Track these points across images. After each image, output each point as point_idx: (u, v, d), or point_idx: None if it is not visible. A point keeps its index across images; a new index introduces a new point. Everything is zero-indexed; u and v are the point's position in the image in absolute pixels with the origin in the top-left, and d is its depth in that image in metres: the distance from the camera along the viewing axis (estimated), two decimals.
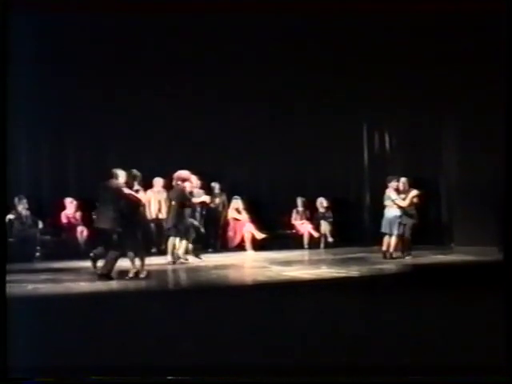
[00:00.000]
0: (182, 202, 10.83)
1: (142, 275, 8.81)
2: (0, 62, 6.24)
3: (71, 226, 12.54)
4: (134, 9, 10.03)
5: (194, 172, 11.34)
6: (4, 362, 4.96)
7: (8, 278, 8.08)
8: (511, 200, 7.10)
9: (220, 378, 4.69)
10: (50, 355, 5.00)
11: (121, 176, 8.80)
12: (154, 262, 11.07)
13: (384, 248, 11.11)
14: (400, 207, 11.06)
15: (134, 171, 9.02)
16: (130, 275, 8.80)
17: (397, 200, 11.07)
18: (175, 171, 12.59)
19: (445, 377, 4.40)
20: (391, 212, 11.13)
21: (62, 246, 12.38)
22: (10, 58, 6.45)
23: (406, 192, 11.22)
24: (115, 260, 8.70)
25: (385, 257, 11.02)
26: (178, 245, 10.93)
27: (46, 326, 5.62)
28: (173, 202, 10.95)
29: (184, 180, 10.96)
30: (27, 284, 8.22)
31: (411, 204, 11.14)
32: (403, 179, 11.34)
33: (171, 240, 10.92)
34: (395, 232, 11.06)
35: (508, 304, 5.33)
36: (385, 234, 11.17)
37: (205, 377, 4.69)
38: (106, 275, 8.60)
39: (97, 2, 10.17)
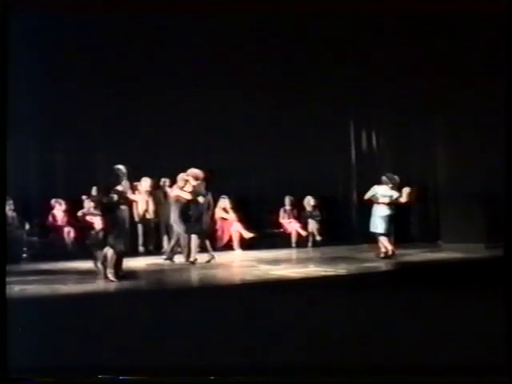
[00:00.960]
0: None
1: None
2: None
3: (58, 227, 12.48)
4: (133, 9, 9.99)
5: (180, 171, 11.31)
6: (4, 361, 4.92)
7: None
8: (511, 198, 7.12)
9: (209, 378, 4.68)
10: (47, 355, 4.97)
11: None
12: (147, 262, 11.12)
13: (384, 249, 10.86)
14: (392, 205, 10.92)
15: (119, 167, 8.98)
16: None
17: (400, 198, 10.92)
18: (162, 171, 12.61)
19: (444, 377, 4.39)
20: (384, 210, 10.92)
21: (50, 247, 12.32)
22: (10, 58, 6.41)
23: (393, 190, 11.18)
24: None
25: (386, 256, 10.77)
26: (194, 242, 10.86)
27: (34, 328, 5.59)
28: (201, 198, 10.85)
29: (197, 178, 10.92)
30: (14, 285, 8.17)
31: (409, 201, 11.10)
32: (396, 177, 11.31)
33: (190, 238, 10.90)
34: (391, 230, 10.92)
35: (508, 303, 5.32)
36: (380, 234, 10.92)
37: (195, 377, 4.67)
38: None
39: (97, 1, 10.11)
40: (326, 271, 9.42)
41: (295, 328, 5.72)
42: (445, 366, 4.54)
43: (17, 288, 8.03)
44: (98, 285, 8.36)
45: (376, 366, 4.63)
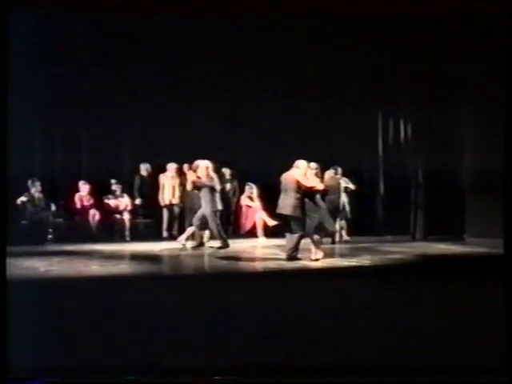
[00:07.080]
0: None
1: (316, 256, 9.43)
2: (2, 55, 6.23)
3: (84, 210, 12.56)
4: (133, 8, 9.97)
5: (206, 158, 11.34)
6: (4, 361, 4.92)
7: (20, 260, 8.19)
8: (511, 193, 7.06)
9: (227, 372, 4.65)
10: (47, 354, 4.95)
11: (301, 167, 9.61)
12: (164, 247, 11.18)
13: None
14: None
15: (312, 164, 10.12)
16: (313, 257, 9.42)
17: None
18: (188, 157, 12.63)
19: (444, 377, 4.37)
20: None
21: (75, 229, 12.42)
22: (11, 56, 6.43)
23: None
24: (298, 242, 9.38)
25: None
26: None
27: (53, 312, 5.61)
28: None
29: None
30: (39, 267, 8.28)
31: None
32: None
33: None
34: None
35: (508, 303, 5.27)
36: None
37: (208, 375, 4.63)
38: (294, 257, 9.33)
39: (97, 1, 10.11)
40: (349, 261, 9.41)
41: (318, 317, 5.72)
42: (445, 366, 4.51)
43: (42, 269, 8.14)
44: (119, 268, 8.42)
45: (375, 365, 4.60)
